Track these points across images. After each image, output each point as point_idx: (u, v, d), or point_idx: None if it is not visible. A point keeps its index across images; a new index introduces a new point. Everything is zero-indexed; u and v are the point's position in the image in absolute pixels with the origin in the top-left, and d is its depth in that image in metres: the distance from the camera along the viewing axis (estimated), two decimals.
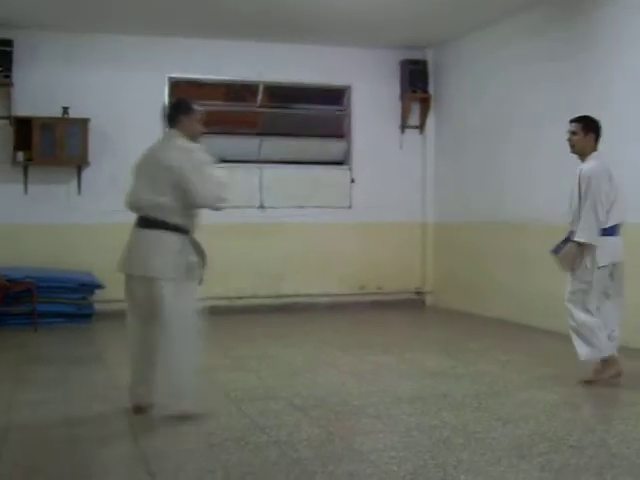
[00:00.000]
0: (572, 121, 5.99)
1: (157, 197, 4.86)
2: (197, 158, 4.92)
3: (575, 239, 5.77)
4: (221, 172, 5.07)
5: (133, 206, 5.00)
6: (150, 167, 4.96)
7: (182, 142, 5.00)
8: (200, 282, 5.03)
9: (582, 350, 5.83)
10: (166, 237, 4.87)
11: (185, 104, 5.20)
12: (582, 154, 5.95)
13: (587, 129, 5.93)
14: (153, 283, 4.83)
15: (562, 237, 5.98)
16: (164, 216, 4.86)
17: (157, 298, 4.82)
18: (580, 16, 8.12)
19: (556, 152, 7.94)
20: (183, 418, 4.83)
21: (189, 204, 4.90)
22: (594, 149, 5.95)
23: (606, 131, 7.73)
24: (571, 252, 5.80)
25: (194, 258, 4.93)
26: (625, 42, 7.54)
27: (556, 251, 5.94)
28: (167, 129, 5.27)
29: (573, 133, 5.95)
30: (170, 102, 5.36)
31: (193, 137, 5.10)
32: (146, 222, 4.91)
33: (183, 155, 4.90)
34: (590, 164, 5.86)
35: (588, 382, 5.84)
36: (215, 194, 4.93)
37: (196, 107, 5.16)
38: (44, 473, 3.90)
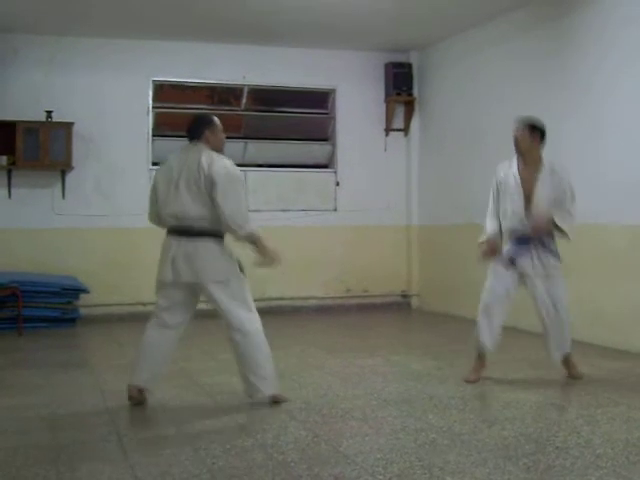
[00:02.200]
0: (518, 121, 6.02)
1: (203, 208, 5.05)
2: (233, 174, 5.10)
3: (569, 235, 5.87)
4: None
5: (175, 217, 5.12)
6: (189, 179, 5.07)
7: (216, 156, 5.15)
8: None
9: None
10: (215, 244, 5.12)
11: (208, 119, 5.37)
12: (526, 154, 5.95)
13: (532, 130, 5.93)
14: (213, 287, 5.11)
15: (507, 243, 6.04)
16: (208, 225, 5.08)
17: (219, 301, 5.14)
18: (563, 17, 8.16)
19: None
20: (275, 401, 5.29)
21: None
22: (539, 153, 5.97)
23: (587, 130, 7.82)
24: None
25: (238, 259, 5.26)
26: (606, 42, 7.58)
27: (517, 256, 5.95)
28: (193, 142, 5.27)
29: (520, 134, 5.96)
30: (193, 117, 5.49)
31: (218, 148, 5.29)
32: (191, 231, 5.09)
33: (222, 169, 5.05)
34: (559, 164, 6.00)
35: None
36: (242, 217, 5.07)
37: (216, 120, 5.39)
38: (28, 479, 3.88)
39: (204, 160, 5.07)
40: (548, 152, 6.15)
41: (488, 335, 6.03)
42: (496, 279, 5.99)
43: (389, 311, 10.77)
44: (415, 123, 11.07)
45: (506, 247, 5.98)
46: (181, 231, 5.12)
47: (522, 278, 5.98)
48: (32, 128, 9.49)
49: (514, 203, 5.91)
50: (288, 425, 4.82)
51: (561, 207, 5.83)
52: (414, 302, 11.12)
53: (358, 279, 10.88)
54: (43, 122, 9.54)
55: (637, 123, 7.20)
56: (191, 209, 5.06)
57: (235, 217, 5.02)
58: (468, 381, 5.97)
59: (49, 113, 9.56)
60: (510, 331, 8.55)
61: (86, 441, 4.58)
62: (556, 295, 5.93)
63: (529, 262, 5.88)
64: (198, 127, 5.30)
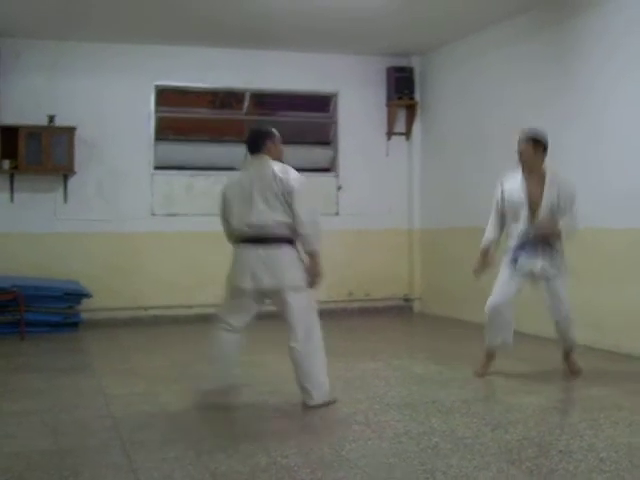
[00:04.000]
0: (521, 134, 6.13)
1: (279, 216, 5.17)
2: (303, 183, 5.25)
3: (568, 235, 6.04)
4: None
5: (251, 226, 5.21)
6: (264, 188, 5.19)
7: (283, 166, 5.29)
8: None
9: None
10: (292, 250, 5.29)
11: (268, 131, 5.50)
12: (530, 166, 6.08)
13: (535, 143, 6.06)
14: (289, 292, 5.27)
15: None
16: (285, 233, 5.22)
17: (292, 307, 5.32)
18: (565, 22, 8.16)
19: None
20: (326, 405, 5.31)
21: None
22: (543, 164, 6.10)
23: (588, 134, 7.81)
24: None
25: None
26: (608, 47, 7.57)
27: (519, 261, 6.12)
28: (255, 155, 5.40)
29: (524, 148, 6.07)
30: (252, 130, 5.71)
31: (280, 158, 5.42)
32: (268, 239, 5.21)
33: (297, 179, 5.22)
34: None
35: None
36: (316, 228, 5.28)
37: (275, 130, 5.52)
38: None
39: (278, 170, 5.21)
40: (550, 156, 6.18)
41: (502, 333, 6.28)
42: (503, 283, 6.21)
43: (391, 315, 10.76)
44: (417, 127, 11.07)
45: (512, 250, 6.16)
46: (257, 239, 5.21)
47: (531, 280, 6.20)
48: (34, 132, 9.49)
49: (520, 214, 6.08)
50: (291, 429, 4.82)
51: (567, 220, 6.00)
52: (416, 306, 11.10)
53: (360, 283, 10.87)
54: (45, 126, 9.54)
55: (639, 128, 7.20)
56: (268, 217, 5.16)
57: (310, 226, 5.19)
58: (478, 375, 6.23)
59: (51, 117, 9.56)
60: (514, 334, 8.56)
61: (89, 446, 4.59)
62: (560, 294, 6.12)
63: (537, 264, 6.05)
64: (260, 139, 5.42)
